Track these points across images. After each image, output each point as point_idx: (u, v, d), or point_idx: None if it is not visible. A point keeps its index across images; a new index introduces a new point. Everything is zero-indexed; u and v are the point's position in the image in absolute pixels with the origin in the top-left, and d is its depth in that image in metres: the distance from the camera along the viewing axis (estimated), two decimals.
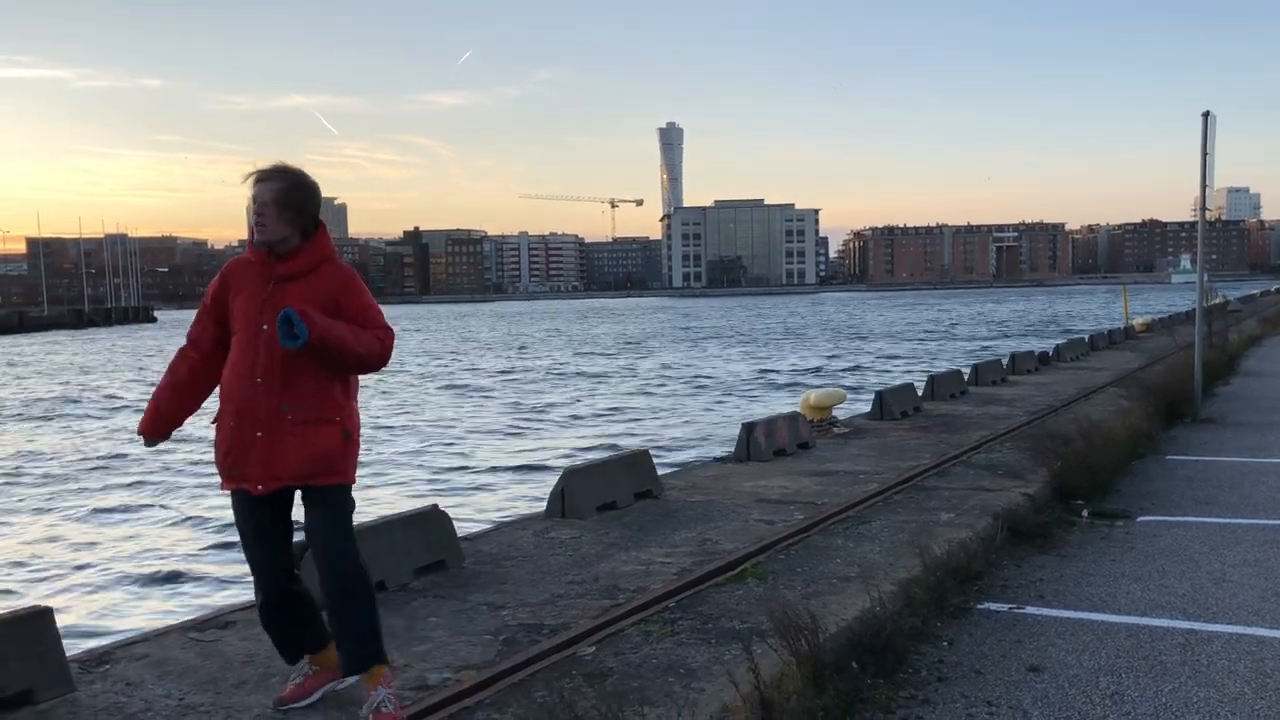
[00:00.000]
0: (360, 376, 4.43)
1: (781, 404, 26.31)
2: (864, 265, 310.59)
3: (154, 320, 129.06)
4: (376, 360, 4.27)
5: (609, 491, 8.82)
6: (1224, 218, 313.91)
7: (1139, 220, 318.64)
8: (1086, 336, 29.92)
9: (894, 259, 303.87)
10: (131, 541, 13.80)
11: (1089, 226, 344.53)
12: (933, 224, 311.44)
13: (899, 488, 9.48)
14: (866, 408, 15.57)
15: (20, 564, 12.83)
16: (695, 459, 16.43)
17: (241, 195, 4.28)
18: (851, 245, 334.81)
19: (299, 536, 4.51)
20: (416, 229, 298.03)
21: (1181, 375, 15.29)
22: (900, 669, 5.02)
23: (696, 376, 38.88)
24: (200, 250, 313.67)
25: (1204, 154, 14.18)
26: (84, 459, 21.56)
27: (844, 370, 39.82)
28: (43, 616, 4.78)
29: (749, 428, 11.61)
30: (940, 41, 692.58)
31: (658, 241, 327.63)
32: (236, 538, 4.55)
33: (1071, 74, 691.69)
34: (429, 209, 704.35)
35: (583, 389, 35.21)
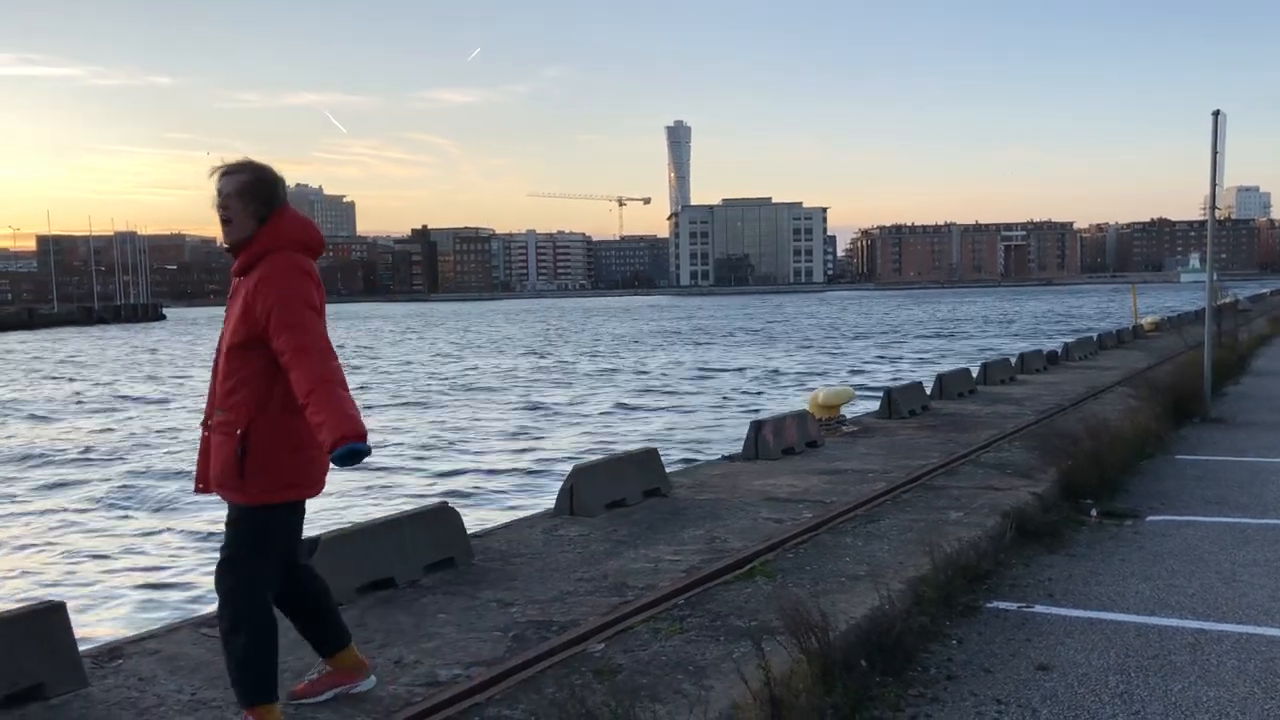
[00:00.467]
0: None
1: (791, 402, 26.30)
2: (871, 264, 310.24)
3: (163, 318, 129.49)
4: (323, 385, 3.82)
5: (617, 489, 8.83)
6: (1233, 216, 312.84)
7: (1147, 219, 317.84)
8: (1095, 336, 29.86)
9: (902, 258, 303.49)
10: (146, 537, 13.85)
11: (1097, 225, 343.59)
12: (941, 223, 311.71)
13: (908, 486, 9.47)
14: (875, 406, 15.56)
15: (33, 559, 12.89)
16: (703, 457, 16.43)
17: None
18: (859, 244, 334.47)
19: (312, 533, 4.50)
20: (424, 227, 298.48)
21: (1191, 374, 15.25)
22: (909, 667, 5.03)
23: (704, 374, 38.87)
24: (209, 248, 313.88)
25: (1214, 153, 14.14)
26: (98, 452, 21.65)
27: (851, 368, 39.78)
28: (56, 611, 4.81)
29: (757, 426, 11.61)
30: (948, 39, 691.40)
31: (665, 240, 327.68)
32: None
33: (1080, 72, 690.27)
34: (437, 207, 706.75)
35: (590, 385, 35.22)
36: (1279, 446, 11.70)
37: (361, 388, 36.61)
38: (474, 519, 10.44)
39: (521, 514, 9.80)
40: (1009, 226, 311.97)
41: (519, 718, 4.41)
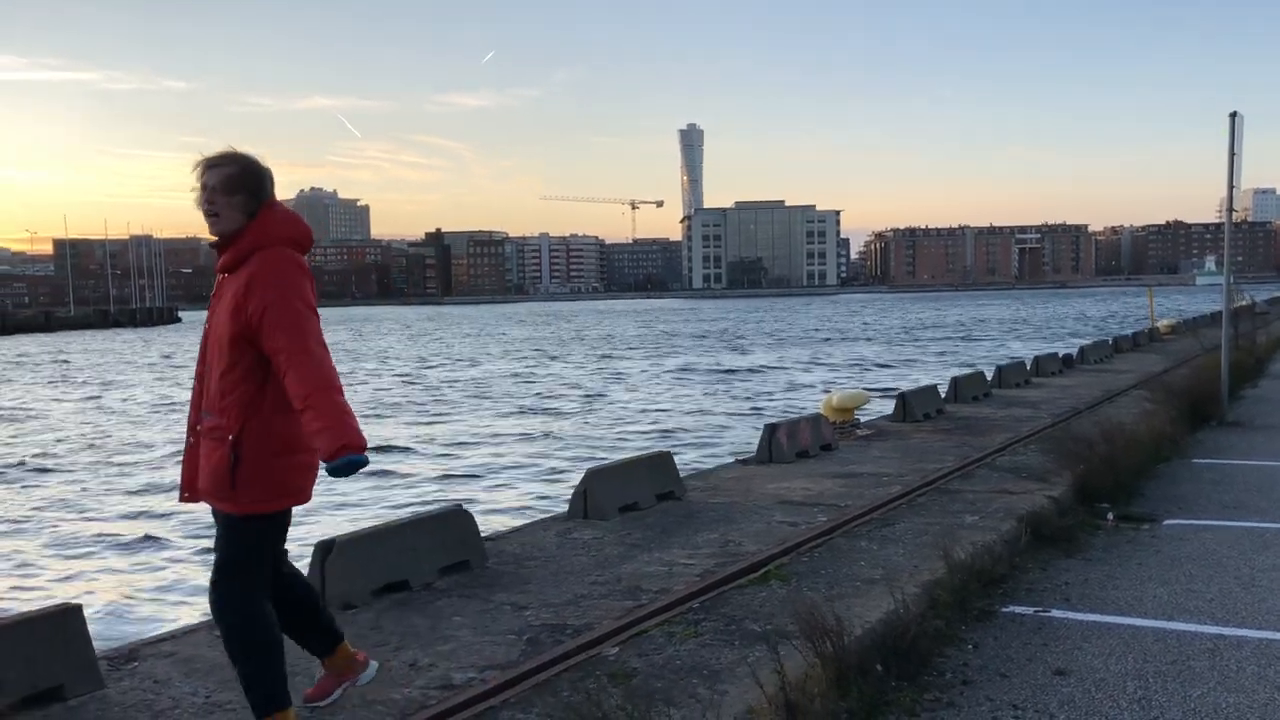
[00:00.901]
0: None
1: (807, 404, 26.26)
2: (885, 266, 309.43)
3: (178, 321, 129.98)
4: (323, 398, 3.69)
5: (631, 493, 8.83)
6: (1250, 219, 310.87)
7: (1163, 222, 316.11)
8: (1110, 339, 29.72)
9: (915, 260, 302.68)
10: (161, 539, 13.90)
11: (1112, 228, 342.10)
12: (955, 225, 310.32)
13: (922, 490, 9.44)
14: (889, 409, 15.52)
15: (49, 561, 12.96)
16: (717, 460, 16.41)
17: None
18: (873, 246, 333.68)
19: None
20: (438, 230, 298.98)
21: (1207, 378, 15.16)
22: (925, 671, 5.00)
23: (718, 376, 38.84)
24: None
25: (1231, 154, 14.07)
26: (112, 454, 21.76)
27: (866, 370, 39.69)
28: (72, 614, 4.83)
29: (771, 429, 11.60)
30: (963, 41, 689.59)
31: (678, 243, 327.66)
32: None
33: (1095, 74, 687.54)
34: (451, 210, 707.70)
35: (604, 387, 35.23)
36: None
37: (376, 391, 36.71)
38: (488, 522, 10.45)
39: (535, 517, 9.81)
40: (1023, 229, 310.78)
41: None
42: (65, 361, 59.15)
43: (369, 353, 62.73)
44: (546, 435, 23.99)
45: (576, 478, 9.44)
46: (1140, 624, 5.77)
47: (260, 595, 3.99)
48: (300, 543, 12.61)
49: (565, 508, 8.91)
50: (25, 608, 7.92)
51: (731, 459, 12.86)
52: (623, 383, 38.12)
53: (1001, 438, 12.54)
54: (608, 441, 22.63)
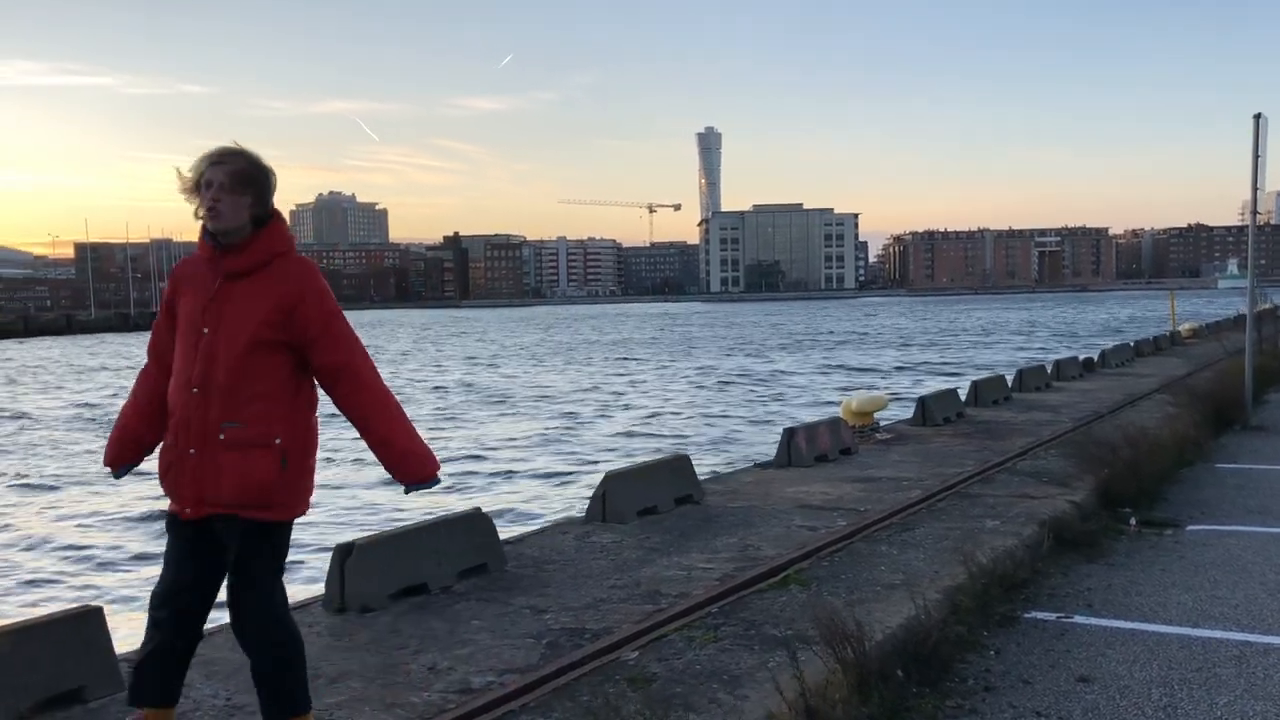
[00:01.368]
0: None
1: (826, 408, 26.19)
2: (904, 270, 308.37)
3: None
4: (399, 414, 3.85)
5: (650, 496, 8.81)
6: (1273, 221, 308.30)
7: (1184, 225, 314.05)
8: (1132, 342, 29.52)
9: (934, 264, 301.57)
10: None
11: (1133, 231, 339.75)
12: (974, 228, 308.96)
13: (943, 494, 9.39)
14: (909, 413, 15.45)
15: (70, 562, 13.04)
16: (736, 464, 16.37)
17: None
18: (891, 250, 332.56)
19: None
20: (456, 234, 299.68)
21: (1231, 382, 15.03)
22: (946, 678, 4.96)
23: (737, 380, 38.79)
24: None
25: (1255, 156, 13.93)
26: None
27: (885, 375, 39.55)
28: (93, 616, 4.85)
29: (790, 433, 11.56)
30: (981, 42, 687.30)
31: (695, 246, 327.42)
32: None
33: (1115, 75, 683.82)
34: (468, 214, 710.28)
35: (621, 392, 35.23)
36: None
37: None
38: (506, 525, 10.44)
39: (553, 520, 9.79)
40: (1043, 232, 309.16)
41: None
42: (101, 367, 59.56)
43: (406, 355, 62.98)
44: (564, 439, 23.99)
45: (595, 481, 9.42)
46: (1165, 630, 5.71)
47: (285, 600, 3.95)
48: (318, 546, 12.68)
49: (583, 511, 8.89)
50: (46, 610, 7.97)
51: (750, 463, 12.82)
52: (641, 386, 38.10)
53: (1022, 442, 12.46)
54: (626, 445, 22.61)
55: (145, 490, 18.17)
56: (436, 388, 39.40)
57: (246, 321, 3.67)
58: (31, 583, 12.23)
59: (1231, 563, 7.12)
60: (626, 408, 30.66)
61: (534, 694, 4.72)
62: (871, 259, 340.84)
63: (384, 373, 4.04)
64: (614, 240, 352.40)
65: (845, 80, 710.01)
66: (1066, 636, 5.66)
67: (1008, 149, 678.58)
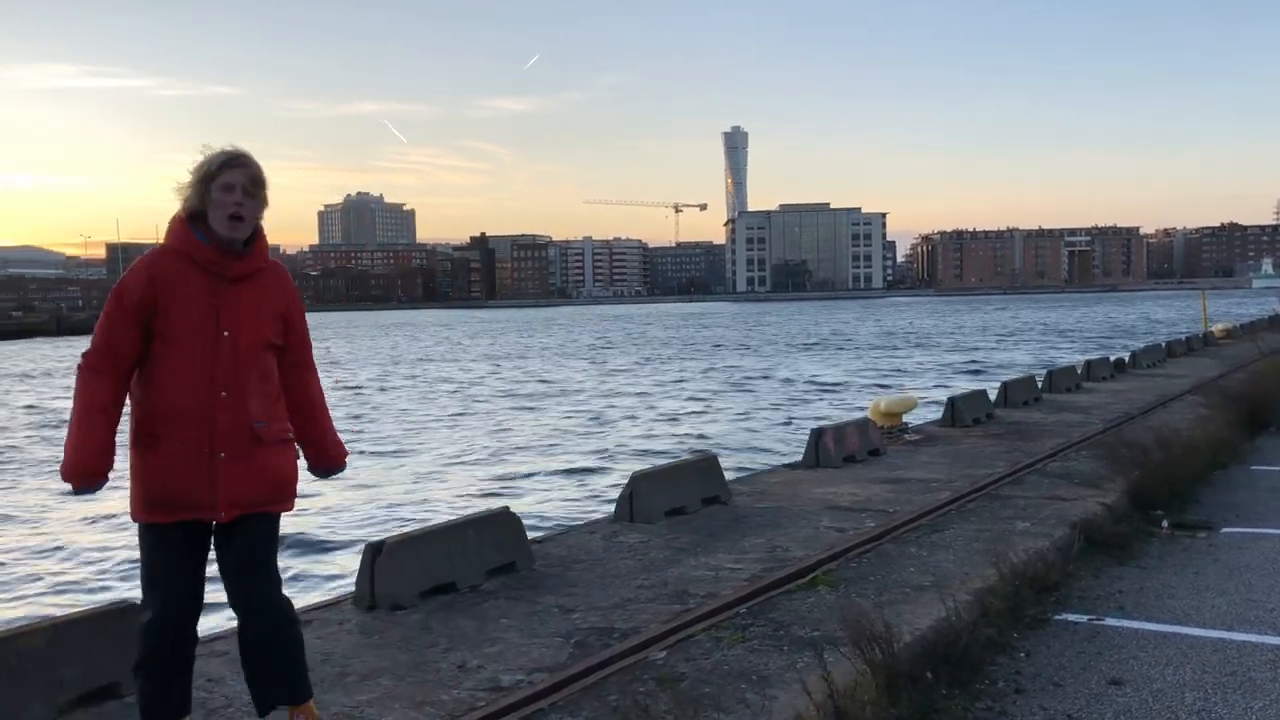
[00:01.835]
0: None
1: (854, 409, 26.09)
2: (932, 270, 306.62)
3: None
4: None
5: (677, 496, 8.81)
6: None
7: (1217, 224, 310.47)
8: (1163, 343, 29.23)
9: (963, 263, 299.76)
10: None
11: (1165, 230, 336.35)
12: (1003, 228, 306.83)
13: (972, 496, 9.33)
14: (938, 414, 15.37)
15: (102, 560, 13.19)
16: (764, 465, 16.34)
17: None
18: (919, 249, 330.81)
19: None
20: (483, 234, 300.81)
21: (1266, 383, 14.86)
22: (976, 680, 4.94)
23: (766, 380, 38.71)
24: (273, 255, 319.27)
25: None
26: None
27: (913, 375, 39.36)
28: (127, 613, 4.89)
29: (818, 434, 11.52)
30: (1010, 40, 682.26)
31: (721, 246, 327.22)
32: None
33: (1146, 72, 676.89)
34: (494, 214, 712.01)
35: (651, 392, 35.24)
36: None
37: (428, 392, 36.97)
38: (534, 525, 10.47)
39: (581, 520, 9.81)
40: (1073, 232, 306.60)
41: None
42: None
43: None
44: (592, 438, 24.03)
45: (622, 481, 9.43)
46: (1198, 634, 5.65)
47: None
48: (346, 544, 12.76)
49: (611, 511, 8.90)
50: (81, 606, 8.08)
51: (778, 463, 12.79)
52: (669, 387, 38.09)
53: (1052, 443, 12.37)
54: (653, 445, 22.62)
55: None
56: (459, 385, 39.59)
57: (259, 324, 3.75)
58: (65, 579, 12.38)
59: (1266, 565, 7.04)
60: (654, 408, 30.67)
61: (563, 693, 4.74)
62: (899, 259, 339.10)
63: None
64: (640, 240, 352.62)
65: (873, 79, 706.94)
66: (1098, 639, 5.61)
67: (1038, 147, 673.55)
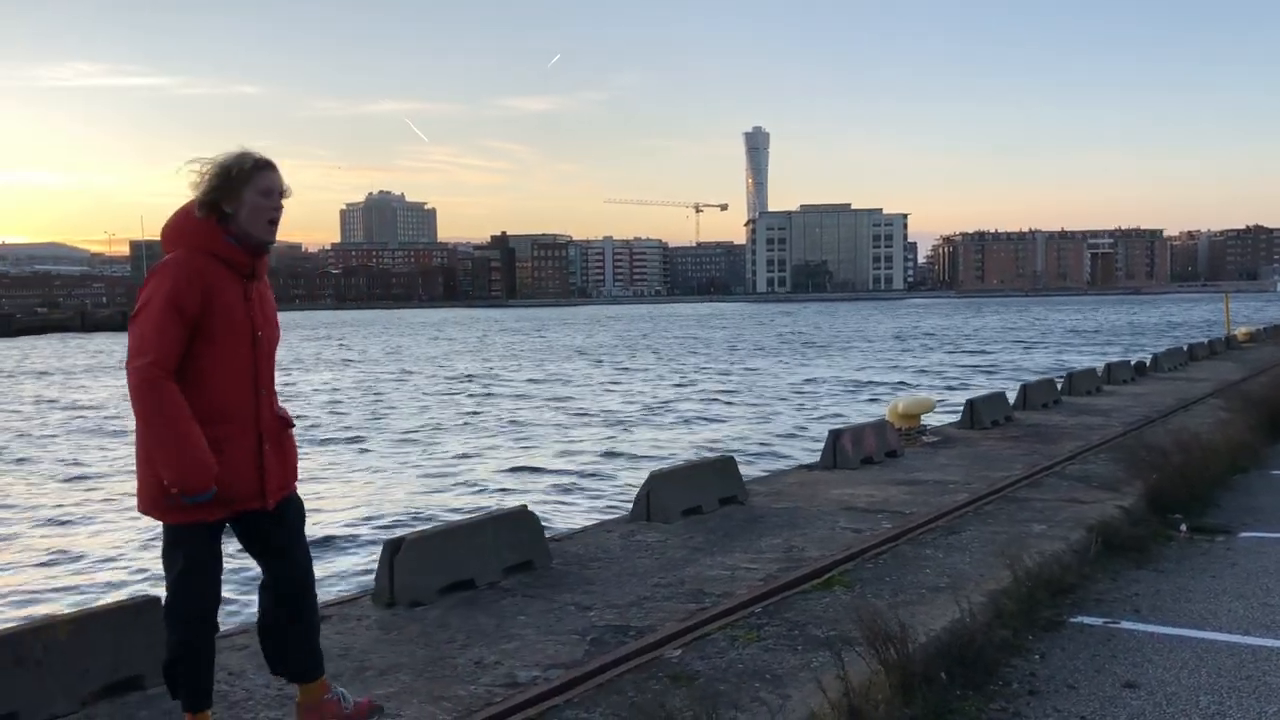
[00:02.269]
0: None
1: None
2: (953, 271, 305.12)
3: None
4: None
5: (694, 496, 8.84)
6: None
7: (1242, 226, 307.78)
8: (1185, 346, 29.05)
9: (984, 265, 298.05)
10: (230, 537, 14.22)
11: (1189, 233, 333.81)
12: (1025, 229, 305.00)
13: (989, 498, 9.33)
14: (956, 416, 15.34)
15: (127, 555, 13.33)
16: (781, 465, 16.35)
17: (180, 191, 3.82)
18: (941, 251, 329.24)
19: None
20: (503, 234, 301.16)
21: None
22: (990, 681, 4.96)
23: (784, 381, 38.68)
24: (294, 253, 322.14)
25: None
26: None
27: (933, 377, 39.24)
28: (152, 606, 4.97)
29: (836, 435, 11.53)
30: (1031, 41, 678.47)
31: (742, 246, 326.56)
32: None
33: (1170, 73, 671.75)
34: (514, 213, 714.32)
35: (669, 393, 35.27)
36: None
37: (444, 390, 37.08)
38: (551, 523, 10.53)
39: (598, 519, 9.86)
40: (1095, 234, 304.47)
41: None
42: None
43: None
44: (610, 438, 24.09)
45: (640, 480, 9.48)
46: (1214, 637, 5.65)
47: None
48: (366, 541, 12.85)
49: (628, 510, 8.95)
50: (106, 599, 8.18)
51: (796, 464, 12.80)
52: (688, 388, 38.11)
53: (1071, 446, 12.33)
54: (671, 445, 22.65)
55: None
56: (467, 377, 39.72)
57: (275, 322, 4.03)
58: (90, 572, 12.53)
59: None
60: (672, 408, 30.69)
61: (578, 689, 4.78)
62: (920, 260, 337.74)
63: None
64: (660, 240, 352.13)
65: (895, 79, 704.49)
66: (1113, 642, 5.61)
67: (1060, 149, 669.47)
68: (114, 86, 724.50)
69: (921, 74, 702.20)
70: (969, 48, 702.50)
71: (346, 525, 14.06)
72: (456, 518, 8.70)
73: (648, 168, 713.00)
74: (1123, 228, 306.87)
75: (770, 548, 7.63)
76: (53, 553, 13.58)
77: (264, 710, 4.63)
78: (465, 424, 27.42)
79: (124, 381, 3.74)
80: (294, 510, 4.10)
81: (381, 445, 23.55)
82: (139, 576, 12.10)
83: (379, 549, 6.52)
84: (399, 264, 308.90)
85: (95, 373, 51.72)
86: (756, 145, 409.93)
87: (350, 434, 25.54)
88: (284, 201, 3.86)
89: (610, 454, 21.58)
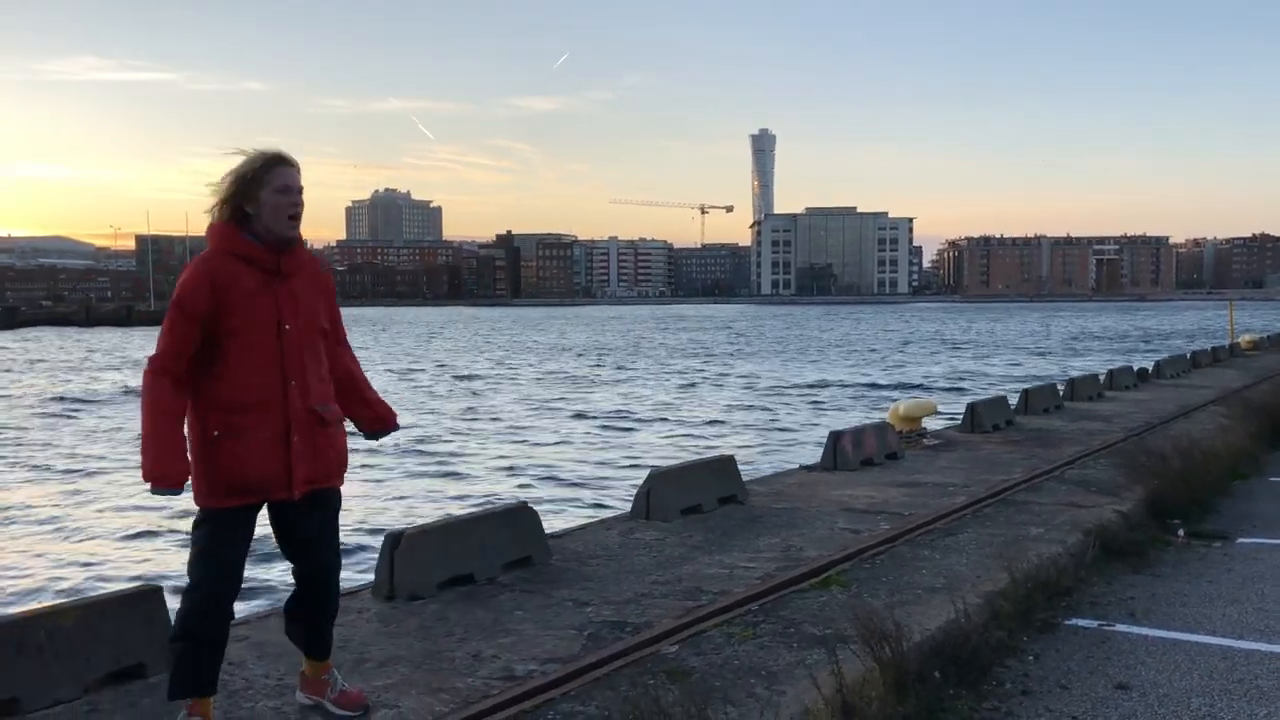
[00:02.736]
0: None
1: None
2: (958, 276, 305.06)
3: None
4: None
5: (693, 495, 8.88)
6: None
7: (1248, 234, 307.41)
8: (1188, 353, 29.05)
9: (989, 270, 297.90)
10: None
11: (1194, 240, 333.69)
12: (1030, 235, 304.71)
13: (988, 501, 9.36)
14: (958, 420, 15.37)
15: (131, 545, 13.39)
16: (781, 466, 16.38)
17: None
18: (946, 255, 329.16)
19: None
20: (509, 232, 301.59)
21: None
22: (984, 681, 5.00)
23: (783, 384, 38.71)
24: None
25: None
26: None
27: (935, 381, 39.25)
28: (154, 595, 5.03)
29: (836, 436, 11.56)
30: (1038, 47, 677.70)
31: (747, 248, 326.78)
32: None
33: (1177, 80, 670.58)
34: (520, 212, 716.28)
35: (670, 393, 35.31)
36: None
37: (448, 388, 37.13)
38: (551, 520, 10.57)
39: (598, 516, 9.90)
40: (1101, 240, 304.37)
41: (593, 714, 4.49)
42: None
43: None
44: (611, 436, 24.13)
45: (639, 479, 9.52)
46: (1207, 641, 5.69)
47: None
48: (366, 534, 12.89)
49: (628, 508, 8.99)
50: (109, 588, 8.24)
51: (796, 465, 12.83)
52: (689, 389, 38.15)
53: (1071, 450, 12.36)
54: (671, 444, 22.69)
55: None
56: (469, 376, 39.78)
57: (313, 315, 4.07)
58: (91, 563, 12.59)
59: None
60: (673, 408, 30.73)
61: (575, 683, 4.83)
62: (926, 264, 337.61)
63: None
64: (665, 241, 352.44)
65: (902, 83, 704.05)
66: (1107, 644, 5.65)
67: (1068, 155, 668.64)
68: (121, 81, 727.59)
69: (928, 78, 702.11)
70: (976, 52, 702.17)
71: (347, 518, 14.10)
72: (457, 512, 8.75)
73: (653, 168, 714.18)
74: (1129, 234, 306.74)
75: (768, 547, 7.67)
76: (54, 542, 13.64)
77: (263, 699, 4.67)
78: (466, 420, 27.47)
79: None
80: (327, 505, 4.20)
81: (383, 440, 23.58)
82: (141, 566, 12.16)
83: (379, 542, 6.56)
84: (404, 262, 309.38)
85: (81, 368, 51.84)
86: (762, 147, 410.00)
87: (349, 428, 25.55)
88: (300, 195, 3.99)
89: (611, 452, 21.63)
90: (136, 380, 42.19)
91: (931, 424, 14.58)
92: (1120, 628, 5.93)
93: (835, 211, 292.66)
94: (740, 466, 9.90)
